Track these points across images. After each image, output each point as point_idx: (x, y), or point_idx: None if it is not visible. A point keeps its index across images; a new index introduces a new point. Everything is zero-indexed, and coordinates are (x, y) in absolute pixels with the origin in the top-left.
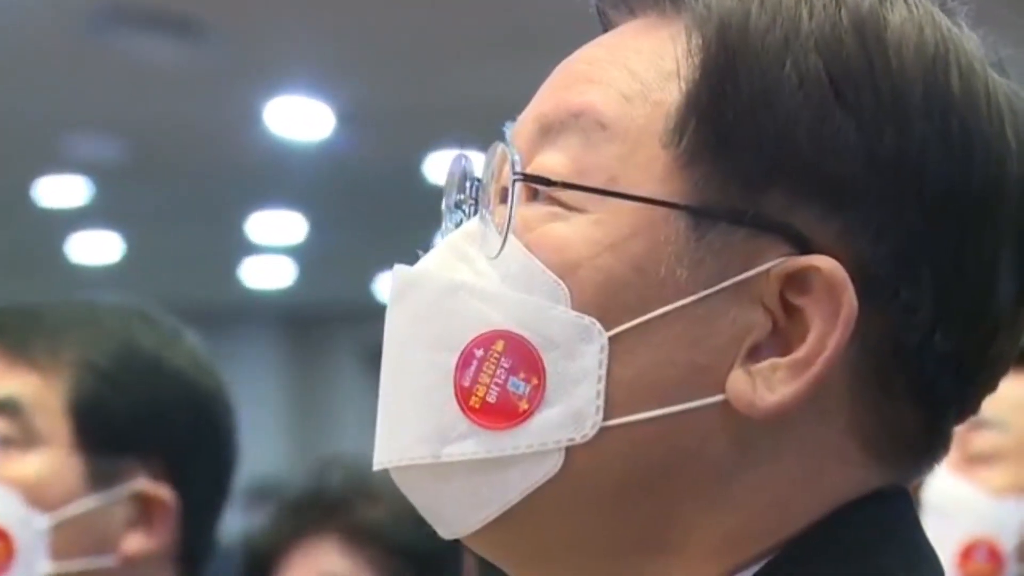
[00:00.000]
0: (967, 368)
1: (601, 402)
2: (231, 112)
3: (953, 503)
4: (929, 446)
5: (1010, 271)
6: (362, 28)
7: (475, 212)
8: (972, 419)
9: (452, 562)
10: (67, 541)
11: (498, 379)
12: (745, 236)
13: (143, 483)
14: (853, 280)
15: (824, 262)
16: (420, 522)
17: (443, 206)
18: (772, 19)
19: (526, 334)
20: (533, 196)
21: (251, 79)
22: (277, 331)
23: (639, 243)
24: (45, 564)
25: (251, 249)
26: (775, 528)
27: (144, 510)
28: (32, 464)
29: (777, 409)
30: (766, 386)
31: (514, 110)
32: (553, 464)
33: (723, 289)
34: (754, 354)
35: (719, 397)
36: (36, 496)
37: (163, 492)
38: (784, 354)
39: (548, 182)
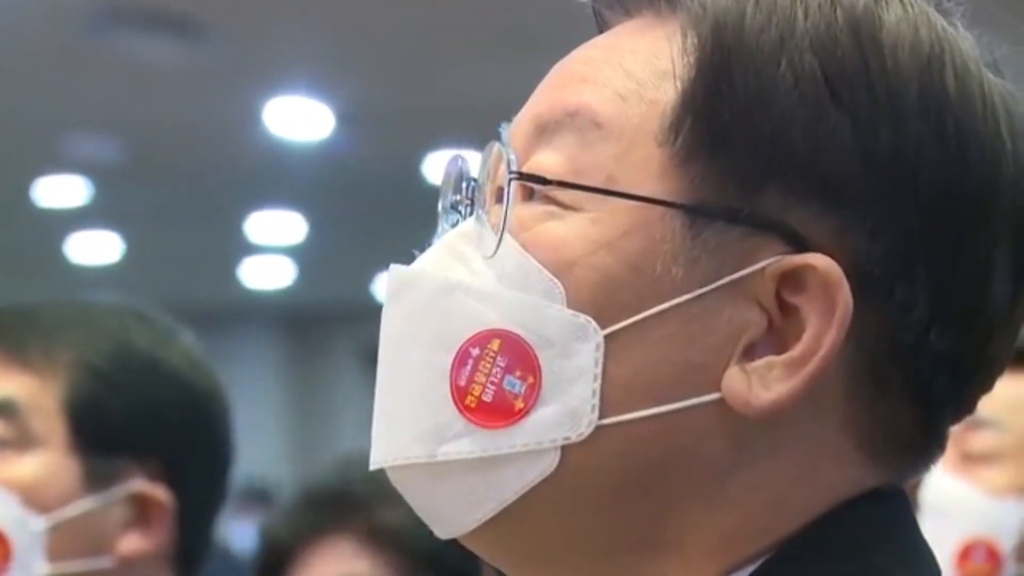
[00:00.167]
0: (963, 367)
1: (597, 401)
2: (231, 112)
3: (951, 503)
4: (925, 445)
5: (1005, 270)
6: (362, 28)
7: (471, 212)
8: (970, 419)
9: (469, 568)
10: (64, 542)
11: (494, 378)
12: (741, 234)
13: (140, 484)
14: (849, 279)
15: (820, 260)
16: None
17: (439, 206)
18: (767, 18)
19: (522, 333)
20: (529, 196)
21: (250, 79)
22: (276, 331)
23: (635, 242)
24: (42, 565)
25: (250, 249)
26: (772, 527)
27: (141, 511)
28: (28, 466)
29: (773, 407)
30: (762, 384)
31: (514, 110)
32: (549, 463)
33: (719, 287)
34: (750, 352)
35: (715, 396)
36: (33, 498)
37: (160, 492)
38: (780, 352)
39: (544, 181)
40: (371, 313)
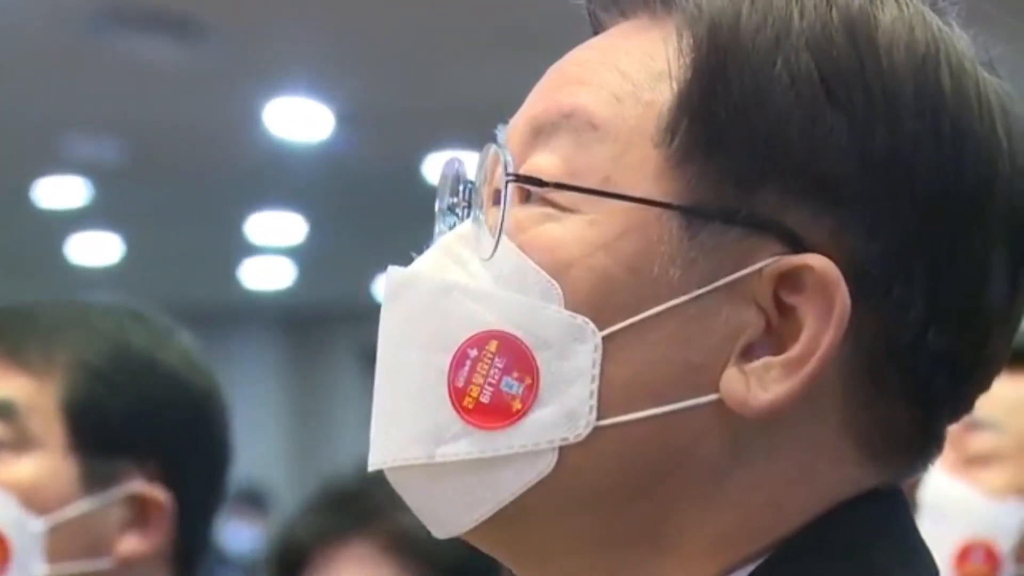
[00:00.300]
0: (961, 367)
1: (594, 402)
2: (230, 112)
3: (950, 504)
4: (923, 445)
5: (1002, 269)
6: (362, 28)
7: (468, 215)
8: (969, 420)
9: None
10: (62, 544)
11: (492, 379)
12: (738, 235)
13: (138, 484)
14: (846, 279)
15: (817, 261)
16: None
17: (436, 209)
18: (763, 19)
19: (519, 334)
20: (526, 198)
21: (250, 79)
22: (276, 332)
23: (632, 243)
24: (41, 567)
25: (250, 250)
26: (770, 527)
27: (139, 511)
28: (27, 467)
29: (771, 408)
30: (760, 385)
31: (513, 110)
32: (546, 464)
33: (716, 288)
34: (748, 353)
35: (713, 396)
36: (31, 499)
37: (158, 493)
38: (778, 353)
39: (540, 183)
40: (371, 314)
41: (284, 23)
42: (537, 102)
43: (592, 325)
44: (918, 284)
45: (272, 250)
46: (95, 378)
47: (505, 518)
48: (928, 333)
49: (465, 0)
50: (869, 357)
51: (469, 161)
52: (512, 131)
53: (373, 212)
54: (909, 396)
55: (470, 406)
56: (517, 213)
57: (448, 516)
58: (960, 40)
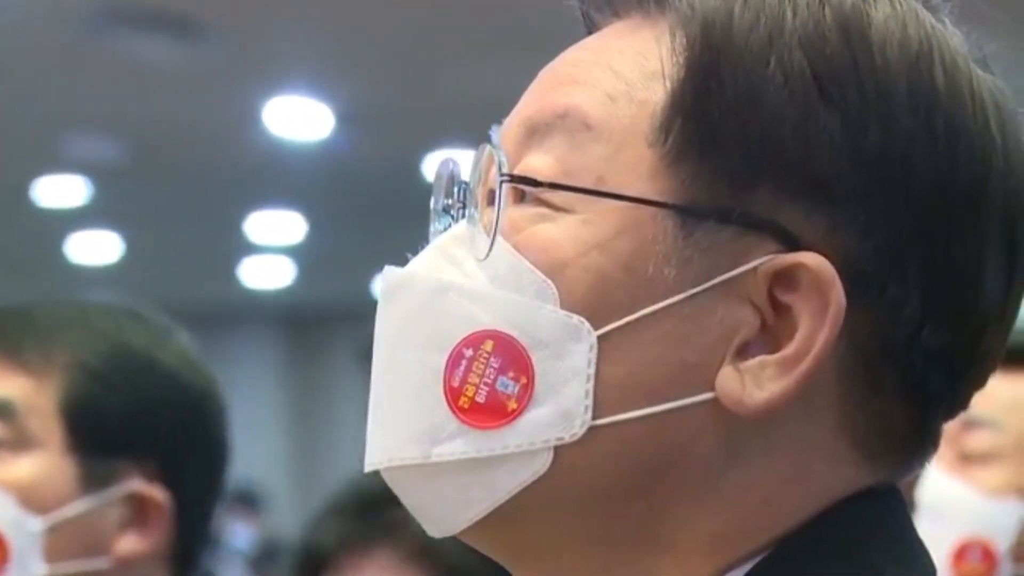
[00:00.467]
0: (956, 364)
1: (590, 401)
2: (230, 112)
3: (947, 503)
4: (919, 443)
5: (996, 266)
6: (362, 28)
7: (463, 215)
8: (967, 419)
9: None
10: (61, 543)
11: (487, 379)
12: (732, 234)
13: (137, 484)
14: (841, 277)
15: (812, 259)
16: None
17: (431, 209)
18: (756, 17)
19: (515, 334)
20: (520, 198)
21: (250, 79)
22: (276, 331)
23: (627, 242)
24: (39, 566)
25: (250, 249)
26: (766, 526)
27: (138, 511)
28: (25, 467)
29: (766, 406)
30: (755, 384)
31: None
32: (542, 463)
33: (711, 287)
34: (743, 352)
35: (708, 395)
36: (30, 499)
37: (157, 493)
38: (773, 351)
39: (535, 183)
40: (371, 313)
41: (284, 23)
42: (531, 102)
43: (587, 325)
44: (913, 282)
45: (272, 249)
46: (94, 378)
47: (501, 517)
48: (923, 331)
49: (465, 0)
50: (864, 355)
51: (465, 161)
52: (506, 131)
53: (373, 211)
54: (905, 394)
55: (466, 406)
56: (512, 213)
57: (444, 515)
58: (953, 37)
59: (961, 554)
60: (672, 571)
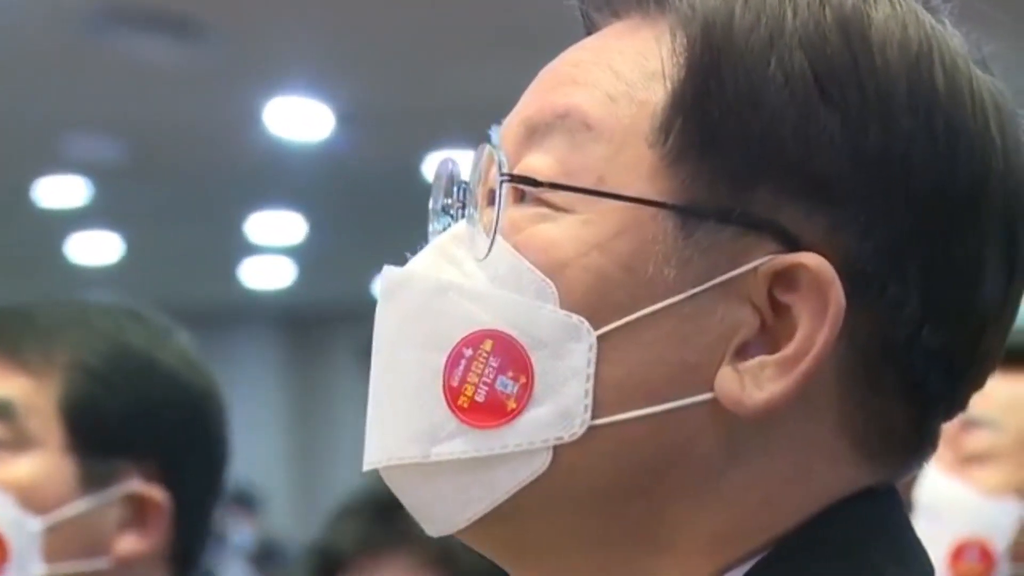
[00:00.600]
0: (956, 364)
1: (589, 401)
2: (230, 112)
3: (946, 503)
4: (918, 443)
5: (996, 267)
6: (362, 28)
7: (462, 215)
8: (966, 419)
9: None
10: (60, 543)
11: (486, 378)
12: (732, 234)
13: (136, 484)
14: (840, 277)
15: (811, 259)
16: None
17: (430, 209)
18: (756, 18)
19: (514, 333)
20: (520, 198)
21: (250, 79)
22: (276, 331)
23: (627, 242)
24: (38, 566)
25: (250, 249)
26: (766, 526)
27: (137, 511)
28: (25, 467)
29: (765, 407)
30: (754, 384)
31: None
32: (541, 463)
33: (711, 287)
34: (742, 352)
35: (708, 395)
36: (29, 499)
37: (156, 493)
38: (772, 352)
39: (535, 183)
40: (371, 313)
41: (284, 23)
42: (531, 102)
43: (587, 324)
44: (912, 282)
45: (272, 249)
46: (93, 378)
47: (499, 517)
48: (923, 331)
49: (465, 0)
50: (864, 355)
51: (464, 161)
52: (506, 131)
53: (373, 212)
54: (904, 394)
55: (465, 405)
56: (512, 213)
57: (443, 514)
58: (953, 38)
59: (959, 554)
60: (672, 571)
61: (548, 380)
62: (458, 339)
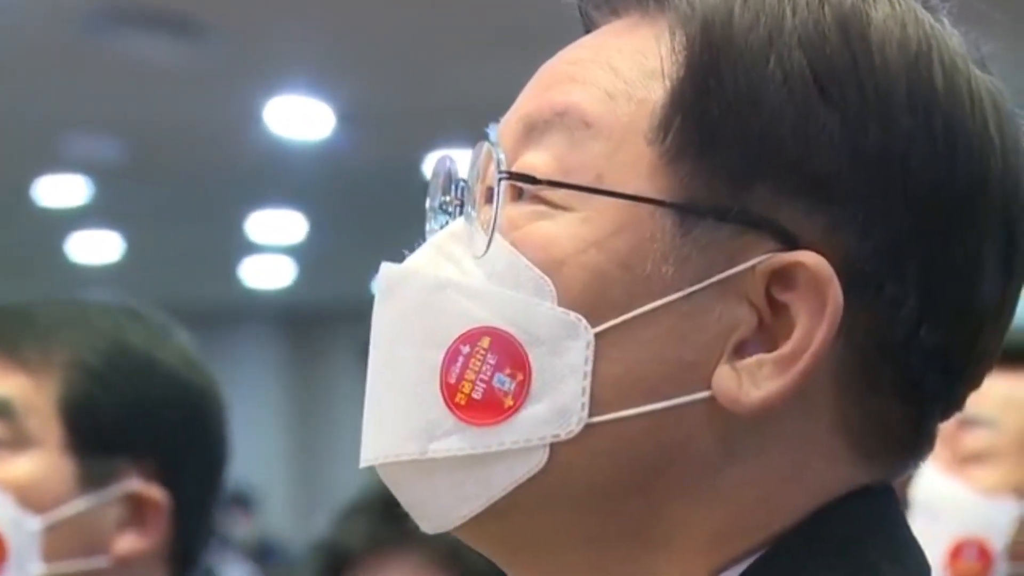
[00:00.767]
0: (953, 363)
1: (586, 399)
2: (231, 112)
3: (944, 502)
4: (915, 443)
5: (993, 266)
6: (362, 28)
7: (460, 213)
8: (963, 418)
9: None
10: (59, 542)
11: (484, 375)
12: (731, 233)
13: (135, 483)
14: (839, 276)
15: (810, 258)
16: None
17: (427, 207)
18: (756, 16)
19: (512, 330)
20: (518, 195)
21: (250, 79)
22: (277, 330)
23: (625, 240)
24: (37, 565)
25: (251, 248)
26: (763, 524)
27: (136, 510)
28: (24, 466)
29: (763, 405)
30: (752, 382)
31: None
32: (538, 460)
33: (709, 285)
34: (740, 350)
35: (705, 393)
36: (28, 498)
37: (155, 492)
38: (770, 350)
39: (533, 180)
40: (371, 312)
41: (284, 23)
42: (529, 100)
43: (585, 322)
44: (911, 281)
45: (272, 248)
46: (92, 377)
47: (495, 514)
48: (920, 330)
49: (465, 0)
50: (861, 354)
51: (462, 159)
52: (504, 129)
53: (373, 211)
54: (901, 393)
55: (462, 402)
56: (510, 211)
57: (439, 511)
58: (952, 37)
59: (957, 553)
60: (669, 569)
61: (545, 377)
62: (456, 336)
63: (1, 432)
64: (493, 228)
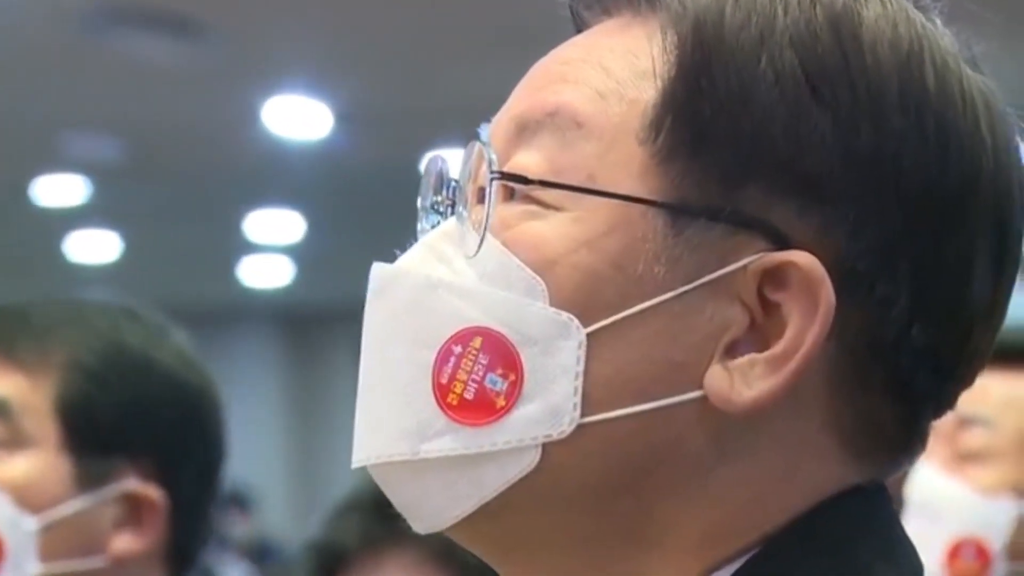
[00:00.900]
0: (945, 363)
1: (578, 399)
2: (229, 112)
3: (942, 501)
4: (907, 442)
5: (985, 265)
6: (361, 28)
7: (451, 213)
8: (961, 418)
9: None
10: (56, 542)
11: (476, 375)
12: (722, 232)
13: (132, 483)
14: (831, 275)
15: (801, 258)
16: None
17: (419, 206)
18: (747, 16)
19: (504, 331)
20: (510, 195)
21: (249, 79)
22: (275, 330)
23: (616, 240)
24: (34, 565)
25: (249, 248)
26: (755, 523)
27: (133, 510)
28: (20, 466)
29: (754, 404)
30: (744, 382)
31: None
32: (530, 460)
33: (701, 285)
34: (732, 350)
35: (697, 393)
36: (25, 498)
37: (152, 492)
38: (762, 350)
39: (525, 180)
40: None
41: (284, 23)
42: (521, 100)
43: (576, 322)
44: (902, 281)
45: (271, 248)
46: (89, 377)
47: (488, 514)
48: (912, 329)
49: (465, 0)
50: (853, 354)
51: (454, 159)
52: (496, 129)
53: (372, 211)
54: (893, 392)
55: (454, 402)
56: (501, 211)
57: (431, 512)
58: (943, 37)
59: (955, 552)
60: (660, 569)
61: (537, 378)
62: (447, 336)
63: None
64: (485, 228)
